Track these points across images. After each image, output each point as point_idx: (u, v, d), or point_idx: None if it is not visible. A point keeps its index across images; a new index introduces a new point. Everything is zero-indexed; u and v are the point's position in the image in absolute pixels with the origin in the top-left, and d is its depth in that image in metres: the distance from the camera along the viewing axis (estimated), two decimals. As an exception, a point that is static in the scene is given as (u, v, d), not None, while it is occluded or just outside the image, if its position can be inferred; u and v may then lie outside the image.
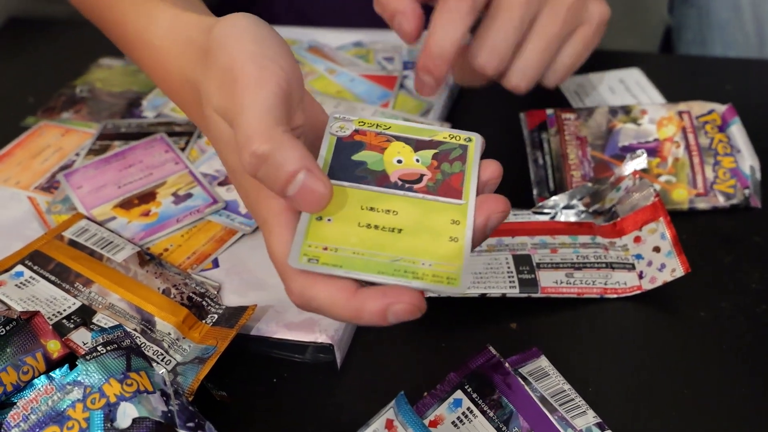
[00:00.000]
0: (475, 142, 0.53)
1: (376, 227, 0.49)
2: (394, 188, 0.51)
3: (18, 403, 0.51)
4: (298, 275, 0.47)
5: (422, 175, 0.51)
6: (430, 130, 0.54)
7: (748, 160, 0.71)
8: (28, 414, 0.50)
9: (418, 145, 0.53)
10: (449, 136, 0.53)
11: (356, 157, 0.52)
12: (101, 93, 0.86)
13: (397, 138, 0.53)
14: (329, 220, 0.49)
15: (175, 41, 0.57)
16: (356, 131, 0.53)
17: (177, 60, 0.56)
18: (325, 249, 0.47)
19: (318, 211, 0.48)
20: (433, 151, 0.53)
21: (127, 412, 0.49)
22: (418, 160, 0.52)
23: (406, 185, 0.51)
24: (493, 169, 0.52)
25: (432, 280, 0.46)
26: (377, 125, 0.54)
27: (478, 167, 0.52)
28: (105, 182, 0.72)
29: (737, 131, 0.73)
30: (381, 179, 0.51)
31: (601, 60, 0.81)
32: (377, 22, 0.95)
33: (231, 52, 0.50)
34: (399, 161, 0.52)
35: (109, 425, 0.49)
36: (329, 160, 0.52)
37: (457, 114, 0.83)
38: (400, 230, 0.49)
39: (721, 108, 0.74)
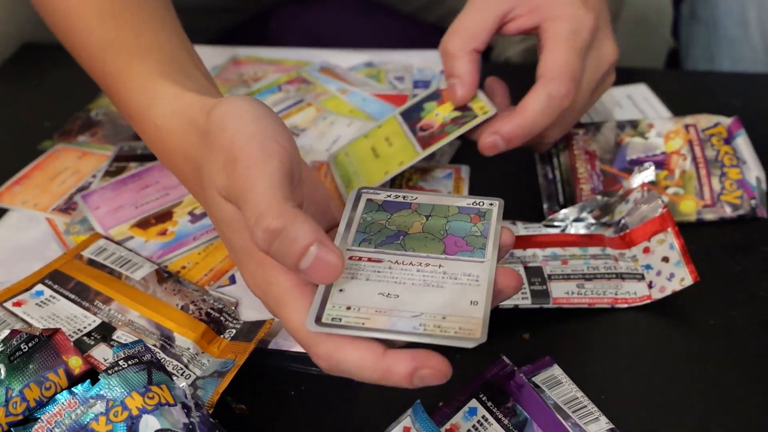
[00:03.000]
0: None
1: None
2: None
3: (42, 417, 0.52)
4: (323, 339, 0.48)
5: None
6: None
7: (755, 171, 0.72)
8: (52, 428, 0.51)
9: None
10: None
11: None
12: (116, 116, 0.87)
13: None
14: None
15: (177, 123, 0.57)
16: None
17: (178, 139, 0.57)
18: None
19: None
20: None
21: (149, 425, 0.50)
22: None
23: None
24: (508, 236, 0.54)
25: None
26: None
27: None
28: (122, 203, 0.74)
29: (743, 143, 0.73)
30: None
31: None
32: (386, 44, 0.96)
33: (231, 134, 0.51)
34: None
35: (132, 437, 0.50)
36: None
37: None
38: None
39: (726, 121, 0.75)
